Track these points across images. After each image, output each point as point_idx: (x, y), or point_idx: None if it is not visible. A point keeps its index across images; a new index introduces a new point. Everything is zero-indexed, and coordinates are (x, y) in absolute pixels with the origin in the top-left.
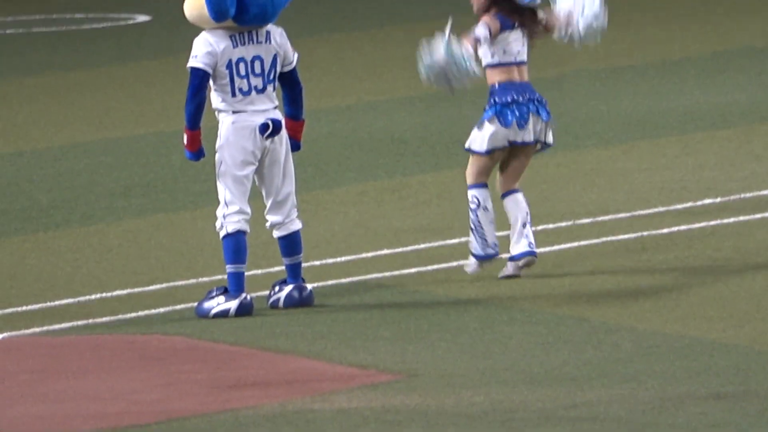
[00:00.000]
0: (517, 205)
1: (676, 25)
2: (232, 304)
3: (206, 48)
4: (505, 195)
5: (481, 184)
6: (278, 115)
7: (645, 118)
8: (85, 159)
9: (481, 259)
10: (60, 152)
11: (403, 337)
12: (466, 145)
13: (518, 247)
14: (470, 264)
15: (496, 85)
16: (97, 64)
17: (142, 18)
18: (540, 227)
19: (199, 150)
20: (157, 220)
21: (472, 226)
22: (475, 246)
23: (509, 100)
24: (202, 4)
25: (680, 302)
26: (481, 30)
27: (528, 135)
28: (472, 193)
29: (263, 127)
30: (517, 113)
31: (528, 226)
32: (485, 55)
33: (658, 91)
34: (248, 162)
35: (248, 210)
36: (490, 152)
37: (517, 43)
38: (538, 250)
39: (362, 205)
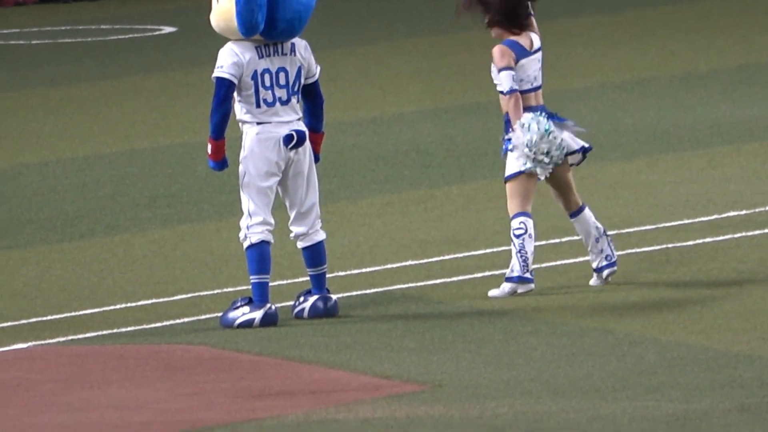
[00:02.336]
0: (582, 225)
1: (703, 39)
2: (257, 314)
3: (232, 59)
4: (572, 216)
5: (526, 213)
6: (302, 126)
7: (670, 131)
8: (110, 170)
9: (518, 281)
10: (85, 163)
11: (428, 348)
12: (506, 177)
13: (597, 261)
14: (503, 288)
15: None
16: (122, 76)
17: (167, 29)
18: (565, 239)
19: (222, 160)
20: (182, 230)
21: (518, 250)
22: (516, 269)
23: None
24: (231, 15)
25: (704, 314)
26: (506, 65)
27: None
28: (519, 221)
29: (287, 139)
30: None
31: (602, 239)
32: (502, 84)
33: (684, 104)
34: (272, 173)
35: (272, 221)
36: (525, 171)
37: (532, 68)
38: (564, 261)
39: (387, 217)
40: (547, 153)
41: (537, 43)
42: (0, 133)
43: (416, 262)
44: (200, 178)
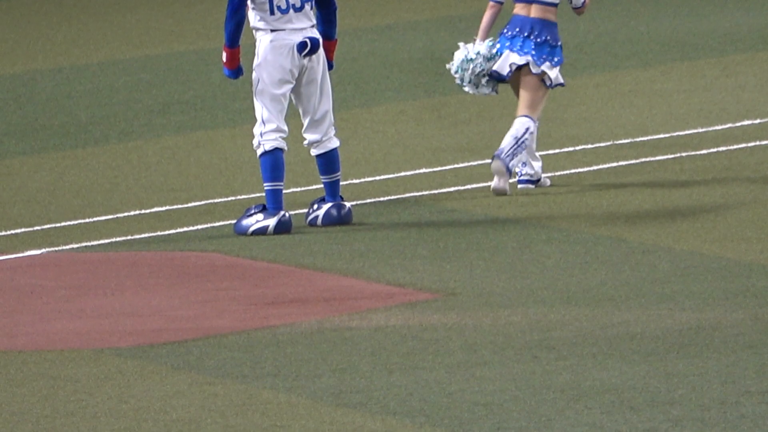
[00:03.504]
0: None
1: None
2: (271, 222)
3: None
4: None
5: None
6: (316, 33)
7: (684, 39)
8: (124, 76)
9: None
10: (99, 69)
11: (441, 256)
12: (555, 82)
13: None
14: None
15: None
16: None
17: None
18: (579, 147)
19: (238, 68)
20: (196, 137)
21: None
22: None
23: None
24: None
25: (718, 224)
26: None
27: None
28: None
29: (301, 46)
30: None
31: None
32: None
33: (699, 12)
34: (285, 80)
35: (285, 128)
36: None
37: None
38: (579, 170)
39: (401, 124)
40: (462, 78)
41: None
42: (14, 39)
43: (430, 169)
44: (214, 85)
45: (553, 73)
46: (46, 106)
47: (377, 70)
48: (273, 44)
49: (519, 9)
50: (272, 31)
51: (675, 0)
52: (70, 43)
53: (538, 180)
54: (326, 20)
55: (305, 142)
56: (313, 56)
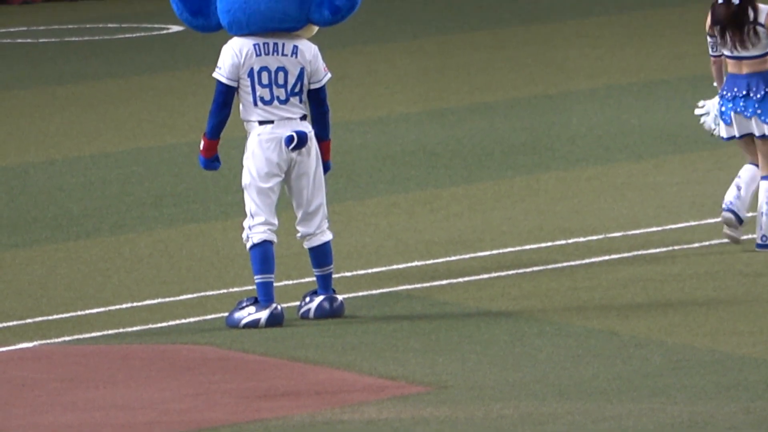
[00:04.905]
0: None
1: None
2: (263, 314)
3: (230, 59)
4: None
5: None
6: (305, 126)
7: (677, 132)
8: (116, 168)
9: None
10: (92, 161)
11: (433, 349)
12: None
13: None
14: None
15: None
16: (129, 74)
17: (175, 28)
18: (571, 240)
19: (214, 157)
20: (188, 230)
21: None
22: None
23: None
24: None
25: (710, 317)
26: None
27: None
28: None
29: (288, 140)
30: None
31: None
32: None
33: (691, 105)
34: (273, 174)
35: (274, 221)
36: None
37: None
38: (571, 263)
39: (393, 217)
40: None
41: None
42: (7, 132)
43: (422, 262)
44: (206, 178)
45: None
46: (38, 198)
47: (369, 162)
48: (260, 138)
49: (731, 67)
50: (260, 123)
51: (667, 93)
52: (63, 135)
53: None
54: (317, 120)
55: (298, 235)
56: (303, 150)
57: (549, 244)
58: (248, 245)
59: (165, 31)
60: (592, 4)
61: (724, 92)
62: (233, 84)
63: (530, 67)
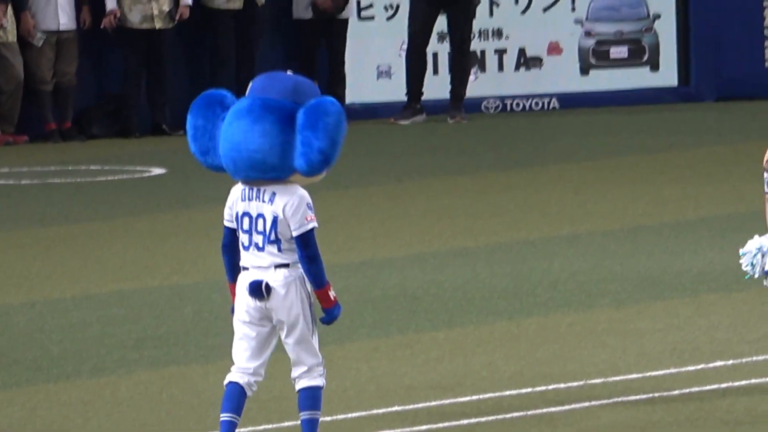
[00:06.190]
0: None
1: (693, 186)
2: None
3: (228, 202)
4: None
5: None
6: (274, 276)
7: (659, 278)
8: (98, 310)
9: None
10: (72, 303)
11: None
12: None
13: None
14: None
15: None
16: (112, 216)
17: (157, 171)
18: (551, 386)
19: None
20: (169, 372)
21: None
22: None
23: None
24: None
25: None
26: None
27: None
28: None
29: (250, 287)
30: None
31: None
32: None
33: (672, 251)
34: (246, 321)
35: (248, 365)
36: None
37: None
38: (551, 409)
39: (374, 361)
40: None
41: None
42: None
43: (403, 407)
44: (187, 321)
45: None
46: (18, 340)
47: (351, 306)
48: (238, 283)
49: None
50: (243, 269)
51: (649, 239)
52: (45, 277)
53: None
54: (304, 269)
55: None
56: (269, 300)
57: (529, 390)
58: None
59: (147, 174)
60: (576, 150)
61: None
62: (231, 225)
63: (512, 212)
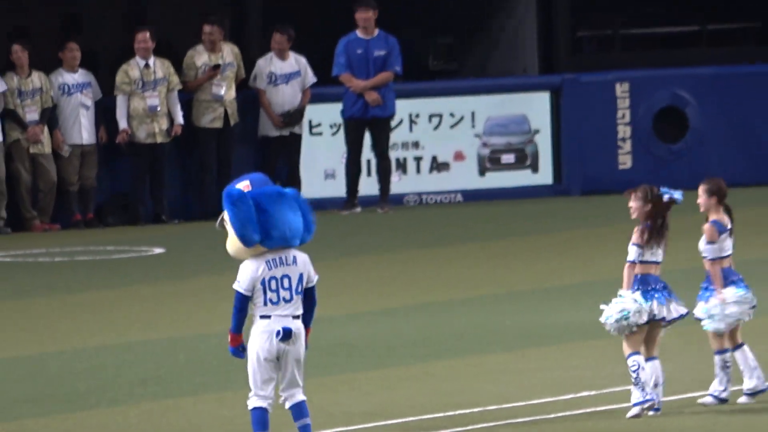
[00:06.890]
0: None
1: (562, 261)
2: None
3: (249, 274)
4: (647, 360)
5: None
6: (294, 323)
7: (535, 330)
8: (112, 357)
9: (642, 403)
10: (93, 351)
11: None
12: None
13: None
14: (632, 411)
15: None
16: (123, 285)
17: (158, 250)
18: (457, 411)
19: (240, 347)
20: (167, 404)
21: (635, 382)
22: (636, 396)
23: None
24: (236, 240)
25: None
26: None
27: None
28: (633, 359)
29: (278, 333)
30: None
31: (659, 387)
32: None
33: (545, 309)
34: (267, 358)
35: (268, 393)
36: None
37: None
38: (456, 429)
39: (321, 393)
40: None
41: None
42: (25, 328)
43: (344, 428)
44: (181, 364)
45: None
46: (52, 380)
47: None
48: (259, 329)
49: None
50: (261, 317)
51: (527, 300)
52: (72, 332)
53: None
54: (308, 311)
55: (280, 400)
56: (290, 341)
57: (440, 414)
58: (249, 407)
59: (150, 253)
60: (476, 234)
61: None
62: (249, 294)
63: (427, 280)
